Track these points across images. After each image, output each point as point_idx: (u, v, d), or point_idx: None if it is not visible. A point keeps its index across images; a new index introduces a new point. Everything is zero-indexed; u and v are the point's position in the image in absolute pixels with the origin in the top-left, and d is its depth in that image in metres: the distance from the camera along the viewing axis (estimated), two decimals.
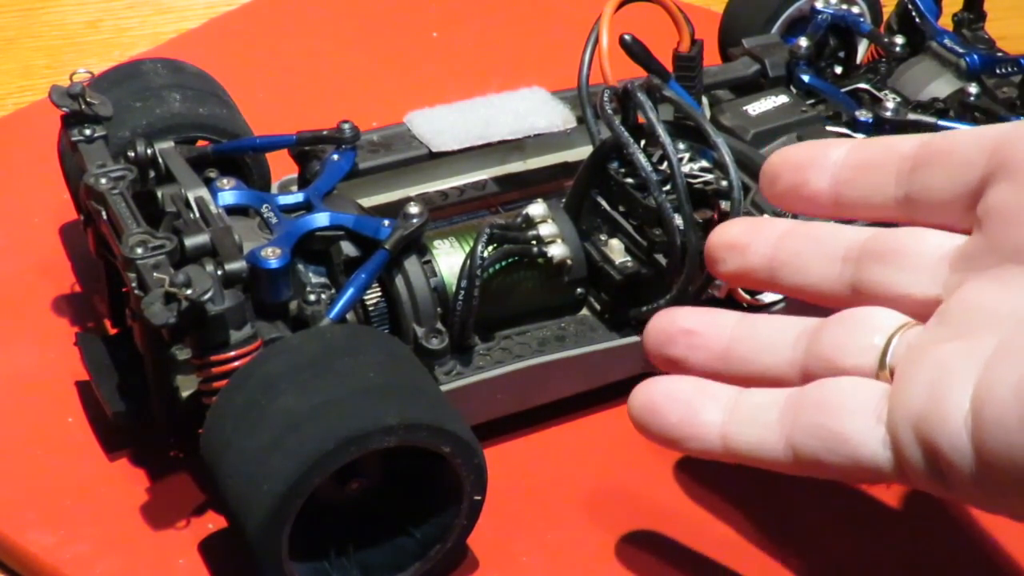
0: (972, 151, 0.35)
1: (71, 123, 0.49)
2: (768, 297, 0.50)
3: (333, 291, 0.47)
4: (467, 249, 0.48)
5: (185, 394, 0.45)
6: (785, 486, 0.48)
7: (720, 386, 0.37)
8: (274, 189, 0.55)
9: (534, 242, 0.49)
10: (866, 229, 0.38)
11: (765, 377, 0.37)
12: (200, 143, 0.53)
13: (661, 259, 0.49)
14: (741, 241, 0.39)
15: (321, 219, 0.48)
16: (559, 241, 0.50)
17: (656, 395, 0.37)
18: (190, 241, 0.44)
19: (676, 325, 0.39)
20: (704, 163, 0.49)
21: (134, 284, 0.42)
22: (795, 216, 0.42)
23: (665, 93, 0.49)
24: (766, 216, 0.47)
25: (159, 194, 0.48)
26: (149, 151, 0.50)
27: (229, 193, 0.49)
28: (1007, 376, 0.30)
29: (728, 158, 0.47)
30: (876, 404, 0.34)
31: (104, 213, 0.46)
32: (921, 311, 0.35)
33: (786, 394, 0.36)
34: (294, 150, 0.54)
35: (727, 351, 0.38)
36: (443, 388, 0.46)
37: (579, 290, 0.51)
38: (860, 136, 0.55)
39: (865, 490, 0.47)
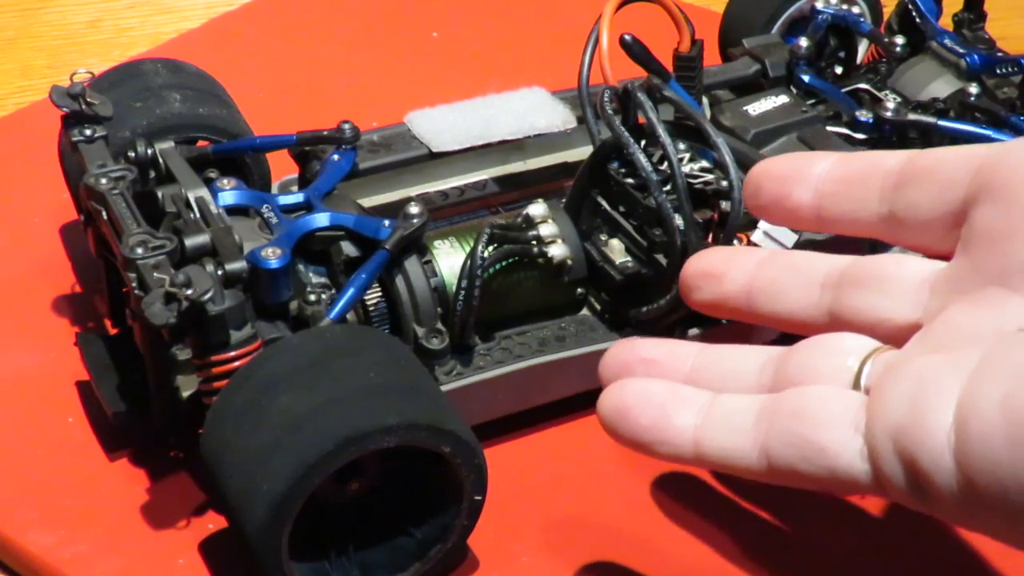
0: (957, 170, 0.34)
1: (71, 123, 0.49)
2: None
3: (333, 291, 0.47)
4: (467, 249, 0.48)
5: (185, 394, 0.45)
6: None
7: (694, 390, 0.36)
8: (274, 189, 0.55)
9: (534, 242, 0.49)
10: (845, 257, 0.37)
11: None
12: (200, 143, 0.53)
13: (661, 259, 0.49)
14: (718, 269, 0.39)
15: (321, 219, 0.48)
16: (559, 241, 0.50)
17: (628, 397, 0.36)
18: (190, 241, 0.44)
19: (635, 355, 0.38)
20: (704, 163, 0.49)
21: (134, 284, 0.42)
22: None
23: (665, 93, 0.49)
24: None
25: (159, 194, 0.48)
26: (149, 151, 0.50)
27: (229, 193, 0.49)
28: (992, 391, 0.30)
29: (728, 158, 0.47)
30: (854, 414, 0.33)
31: (104, 213, 0.46)
32: (901, 335, 0.35)
33: (761, 400, 0.35)
34: (294, 150, 0.54)
35: (689, 381, 0.37)
36: (443, 388, 0.46)
37: (579, 290, 0.51)
38: (860, 136, 0.55)
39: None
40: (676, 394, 0.36)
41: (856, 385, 0.34)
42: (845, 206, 0.37)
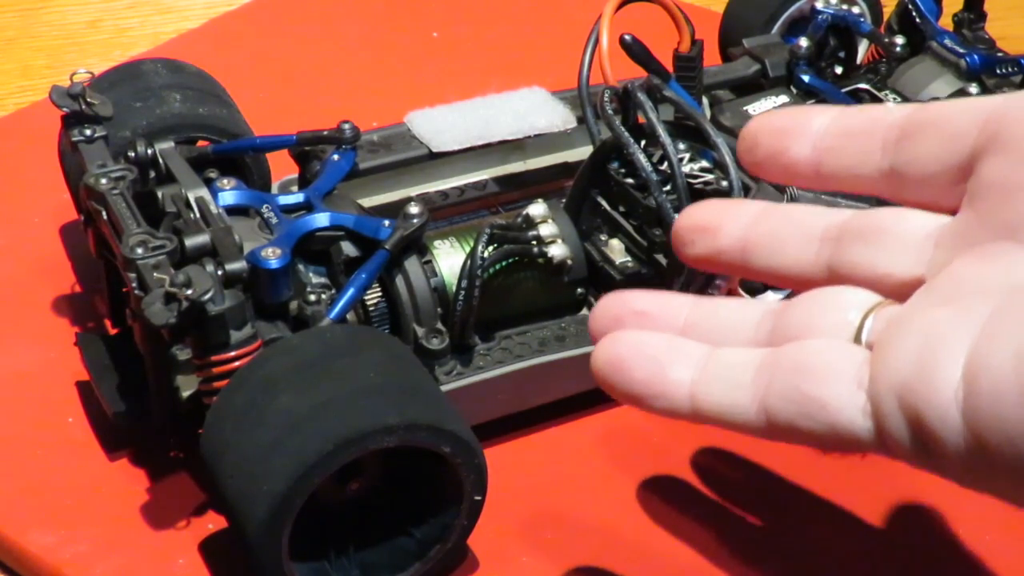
0: (963, 122, 0.33)
1: (71, 123, 0.49)
2: (771, 297, 0.50)
3: (333, 291, 0.47)
4: (467, 249, 0.48)
5: (185, 394, 0.45)
6: (785, 481, 0.48)
7: (691, 343, 0.35)
8: (274, 189, 0.55)
9: (534, 242, 0.49)
10: (845, 211, 0.36)
11: None
12: (200, 143, 0.53)
13: (661, 259, 0.49)
14: (712, 223, 0.37)
15: (321, 219, 0.48)
16: (559, 241, 0.49)
17: (623, 349, 0.35)
18: (190, 241, 0.44)
19: (627, 307, 0.36)
20: (704, 163, 0.49)
21: (134, 284, 0.42)
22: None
23: (665, 93, 0.49)
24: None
25: (159, 194, 0.48)
26: (149, 151, 0.50)
27: (229, 193, 0.49)
28: (1004, 347, 0.29)
29: (728, 158, 0.47)
30: (857, 369, 0.32)
31: (104, 213, 0.46)
32: (903, 291, 0.33)
33: (761, 354, 0.33)
34: (294, 150, 0.54)
35: (683, 335, 0.35)
36: (443, 388, 0.46)
37: (579, 290, 0.51)
38: None
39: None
40: (673, 346, 0.35)
41: (857, 340, 0.33)
42: (845, 161, 0.35)
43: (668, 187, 0.48)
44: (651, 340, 0.35)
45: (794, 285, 0.37)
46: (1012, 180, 0.32)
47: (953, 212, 0.34)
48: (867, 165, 0.35)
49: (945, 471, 0.31)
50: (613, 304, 0.37)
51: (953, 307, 0.31)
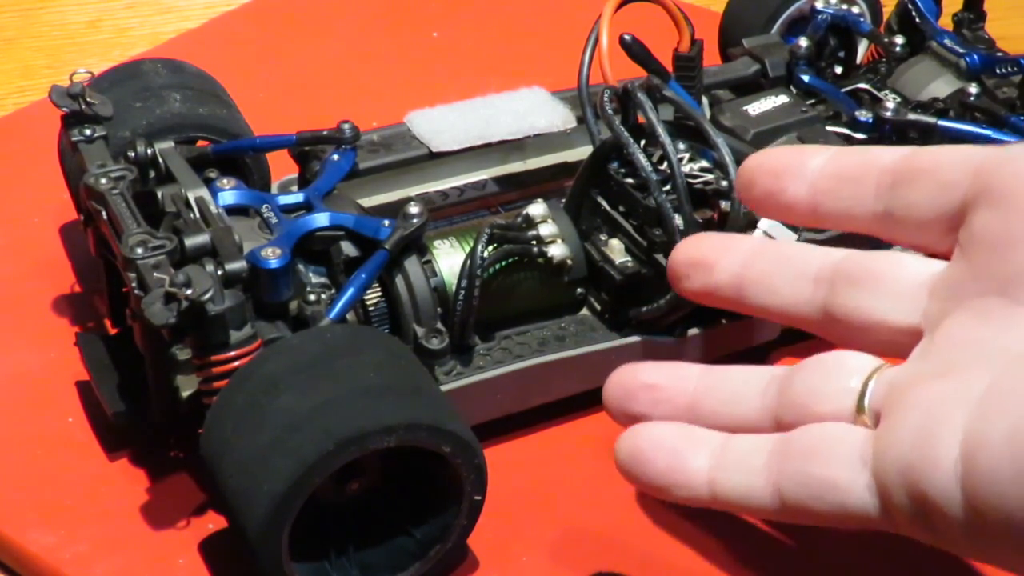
0: (955, 171, 0.34)
1: (71, 123, 0.50)
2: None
3: (333, 291, 0.47)
4: (467, 249, 0.48)
5: (185, 394, 0.45)
6: None
7: (707, 432, 0.36)
8: (274, 189, 0.55)
9: (534, 242, 0.49)
10: (838, 250, 0.37)
11: (736, 429, 0.36)
12: (200, 143, 0.53)
13: (661, 259, 0.49)
14: (708, 258, 0.38)
15: (321, 219, 0.48)
16: (559, 241, 0.50)
17: (642, 442, 0.36)
18: (190, 241, 0.44)
19: (637, 380, 0.38)
20: (704, 163, 0.49)
21: (134, 284, 0.42)
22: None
23: (665, 93, 0.49)
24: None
25: (159, 194, 0.48)
26: (149, 151, 0.50)
27: (229, 193, 0.49)
28: (999, 423, 0.29)
29: (728, 158, 0.47)
30: (861, 449, 0.33)
31: (104, 213, 0.46)
32: (899, 339, 0.34)
33: (772, 440, 0.35)
34: (294, 150, 0.54)
35: (693, 404, 0.37)
36: (443, 388, 0.46)
37: (579, 290, 0.51)
38: (860, 136, 0.55)
39: None
40: (689, 437, 0.36)
41: (860, 405, 0.34)
42: (841, 203, 0.36)
43: (668, 187, 0.48)
44: (668, 432, 0.36)
45: (791, 323, 0.37)
46: (1003, 233, 0.32)
47: (946, 257, 0.34)
48: (862, 207, 0.36)
49: (949, 544, 0.31)
50: (623, 377, 0.38)
51: (951, 379, 0.32)
